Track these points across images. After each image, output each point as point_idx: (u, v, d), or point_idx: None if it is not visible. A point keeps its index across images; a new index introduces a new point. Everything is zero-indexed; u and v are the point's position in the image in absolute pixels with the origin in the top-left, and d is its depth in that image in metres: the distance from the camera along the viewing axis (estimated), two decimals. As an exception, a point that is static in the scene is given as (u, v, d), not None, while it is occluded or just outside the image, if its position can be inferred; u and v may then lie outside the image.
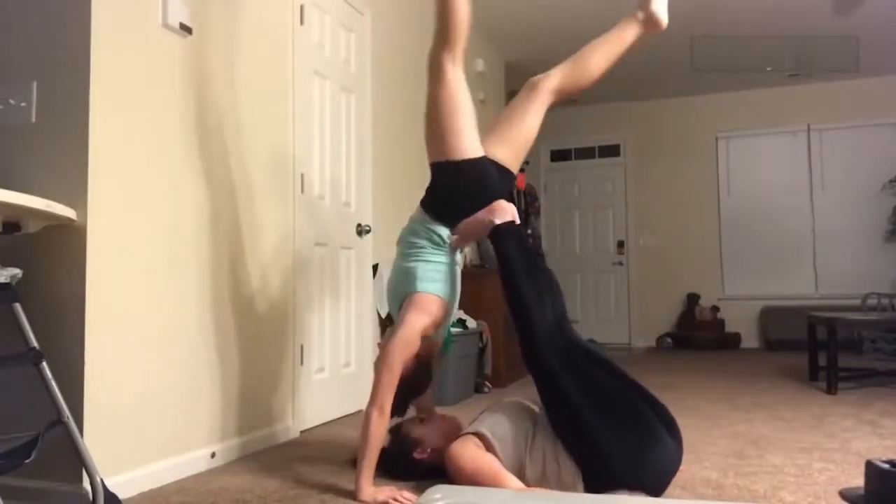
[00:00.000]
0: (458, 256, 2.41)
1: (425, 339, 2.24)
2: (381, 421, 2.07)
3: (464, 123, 2.26)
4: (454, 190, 2.27)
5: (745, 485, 2.20)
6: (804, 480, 2.25)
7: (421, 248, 2.28)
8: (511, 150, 2.36)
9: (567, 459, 1.94)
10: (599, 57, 2.39)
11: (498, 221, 2.16)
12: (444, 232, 2.29)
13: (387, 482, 2.17)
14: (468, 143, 2.26)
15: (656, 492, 1.94)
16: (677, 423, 2.01)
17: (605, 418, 1.91)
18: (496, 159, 2.32)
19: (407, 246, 2.33)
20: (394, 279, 2.34)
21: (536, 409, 2.16)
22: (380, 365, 2.12)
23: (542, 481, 1.98)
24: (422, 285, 2.21)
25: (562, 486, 1.94)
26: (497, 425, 2.09)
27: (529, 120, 2.36)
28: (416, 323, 2.16)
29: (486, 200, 2.22)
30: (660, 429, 1.93)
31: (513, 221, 2.17)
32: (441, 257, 2.28)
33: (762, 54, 6.56)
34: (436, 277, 2.24)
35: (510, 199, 2.27)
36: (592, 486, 1.90)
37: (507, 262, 2.12)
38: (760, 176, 7.71)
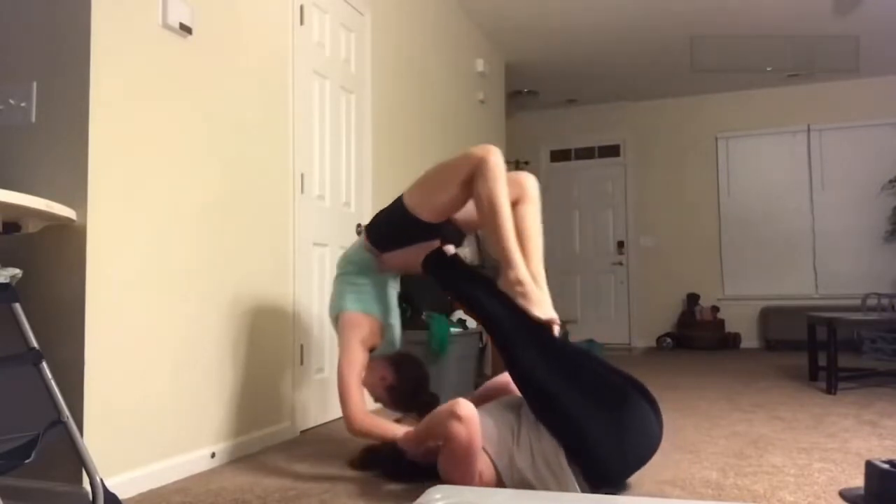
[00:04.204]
0: (393, 279, 2.59)
1: (375, 352, 2.48)
2: (369, 421, 2.33)
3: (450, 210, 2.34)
4: (407, 236, 2.38)
5: (745, 485, 2.20)
6: (804, 480, 2.25)
7: (348, 272, 2.50)
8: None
9: (548, 437, 1.99)
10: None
11: (423, 255, 2.34)
12: (369, 257, 2.47)
13: (386, 482, 2.17)
14: (436, 217, 2.35)
15: (638, 461, 2.00)
16: (656, 399, 2.06)
17: (577, 390, 1.97)
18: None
19: (340, 268, 2.54)
20: (330, 299, 2.55)
21: (520, 400, 2.19)
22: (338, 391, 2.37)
23: (533, 468, 2.00)
24: (347, 305, 2.45)
25: (547, 465, 1.97)
26: (483, 424, 2.09)
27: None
28: (352, 340, 2.41)
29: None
30: (635, 395, 1.99)
31: (439, 248, 2.34)
32: (366, 279, 2.48)
33: (762, 54, 6.56)
34: (358, 297, 2.45)
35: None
36: (573, 457, 1.94)
37: (449, 281, 2.30)
38: (760, 176, 7.71)
